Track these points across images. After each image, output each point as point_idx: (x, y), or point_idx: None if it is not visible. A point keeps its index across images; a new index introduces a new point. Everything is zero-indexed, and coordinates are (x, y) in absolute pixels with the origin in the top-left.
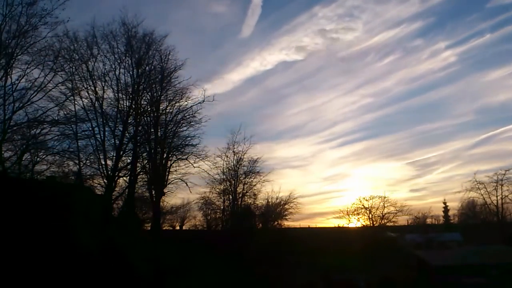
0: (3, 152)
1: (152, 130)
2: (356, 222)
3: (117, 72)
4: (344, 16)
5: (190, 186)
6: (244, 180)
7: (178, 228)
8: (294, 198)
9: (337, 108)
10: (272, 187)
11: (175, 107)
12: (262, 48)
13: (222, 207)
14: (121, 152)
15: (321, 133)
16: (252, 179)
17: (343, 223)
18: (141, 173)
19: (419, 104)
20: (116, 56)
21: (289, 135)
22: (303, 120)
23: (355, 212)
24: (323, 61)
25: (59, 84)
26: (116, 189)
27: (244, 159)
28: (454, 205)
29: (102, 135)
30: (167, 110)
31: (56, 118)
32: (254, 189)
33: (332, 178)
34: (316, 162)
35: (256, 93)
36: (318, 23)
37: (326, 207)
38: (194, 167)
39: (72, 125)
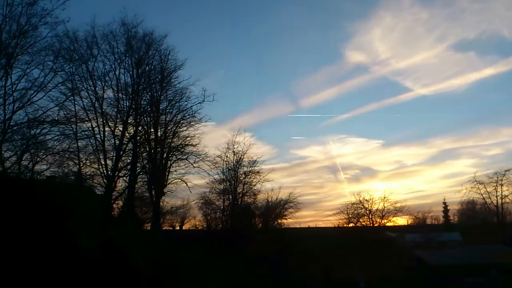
0: (3, 152)
1: (152, 130)
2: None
3: (117, 72)
4: None
5: (190, 186)
6: (244, 180)
7: (178, 228)
8: (294, 198)
9: None
10: (272, 187)
11: (175, 107)
12: None
13: (222, 207)
14: (121, 152)
15: None
16: (252, 179)
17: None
18: (141, 173)
19: None
20: (116, 56)
21: None
22: None
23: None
24: None
25: (59, 84)
26: (116, 189)
27: (244, 159)
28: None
29: (102, 135)
30: (167, 110)
31: (56, 118)
32: (254, 189)
33: None
34: None
35: None
36: None
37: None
38: (194, 167)
39: (72, 125)
